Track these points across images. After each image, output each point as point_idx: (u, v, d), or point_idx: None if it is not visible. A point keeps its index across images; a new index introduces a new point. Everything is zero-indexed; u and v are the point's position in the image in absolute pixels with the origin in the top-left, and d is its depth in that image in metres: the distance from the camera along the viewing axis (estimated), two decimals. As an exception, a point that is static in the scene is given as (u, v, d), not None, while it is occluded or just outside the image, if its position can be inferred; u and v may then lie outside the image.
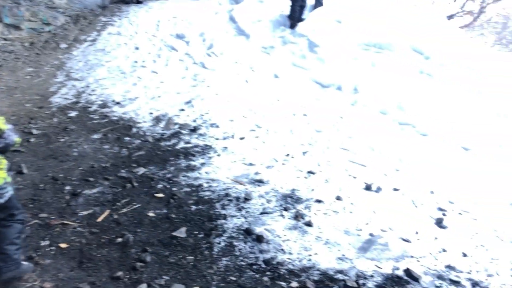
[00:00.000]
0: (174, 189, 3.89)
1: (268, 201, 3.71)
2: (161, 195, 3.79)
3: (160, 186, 3.94)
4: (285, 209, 3.59)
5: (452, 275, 2.93)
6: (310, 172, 4.22)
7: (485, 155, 4.77)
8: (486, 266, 3.05)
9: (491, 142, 5.04)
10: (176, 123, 5.28)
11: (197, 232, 3.28)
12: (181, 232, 3.25)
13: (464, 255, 3.16)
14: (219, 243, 3.16)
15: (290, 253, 3.08)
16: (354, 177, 4.19)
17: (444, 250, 3.20)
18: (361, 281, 2.85)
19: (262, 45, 7.39)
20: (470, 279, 2.91)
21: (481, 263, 3.07)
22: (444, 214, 3.66)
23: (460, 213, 3.70)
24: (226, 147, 4.72)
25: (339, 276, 2.89)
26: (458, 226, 3.51)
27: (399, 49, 6.72)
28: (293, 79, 6.36)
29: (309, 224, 3.40)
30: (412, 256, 3.12)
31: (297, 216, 3.49)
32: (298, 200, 3.75)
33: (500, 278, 2.94)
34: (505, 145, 5.01)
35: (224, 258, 3.01)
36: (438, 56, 6.58)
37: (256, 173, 4.17)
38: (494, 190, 4.07)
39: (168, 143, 4.84)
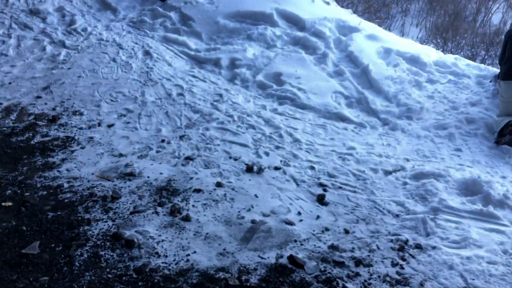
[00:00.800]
0: (26, 194, 3.30)
1: (140, 198, 3.30)
2: (9, 203, 3.18)
3: (8, 192, 3.32)
4: (160, 205, 3.23)
5: (336, 256, 2.84)
6: (188, 158, 3.89)
7: (357, 123, 4.83)
8: (368, 241, 3.01)
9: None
10: (30, 114, 4.56)
11: (54, 245, 2.78)
12: (33, 248, 2.73)
13: (346, 232, 3.10)
14: (81, 255, 2.71)
15: (166, 256, 2.75)
16: (235, 159, 3.94)
17: (326, 229, 3.11)
18: (244, 277, 2.62)
19: (131, 19, 6.75)
20: (353, 258, 2.84)
21: (362, 239, 3.03)
22: (325, 190, 3.58)
23: (340, 187, 3.65)
24: (91, 138, 4.17)
25: (220, 274, 2.63)
26: (339, 201, 3.46)
27: (276, 20, 6.56)
28: (167, 55, 5.88)
29: (187, 218, 3.09)
30: (296, 241, 2.97)
31: (174, 211, 3.15)
32: (175, 192, 3.40)
33: (381, 252, 2.91)
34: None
35: (87, 273, 2.58)
36: (313, 28, 6.54)
37: (127, 166, 3.72)
38: (371, 160, 4.11)
39: (20, 138, 4.14)
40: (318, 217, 3.24)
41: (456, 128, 4.75)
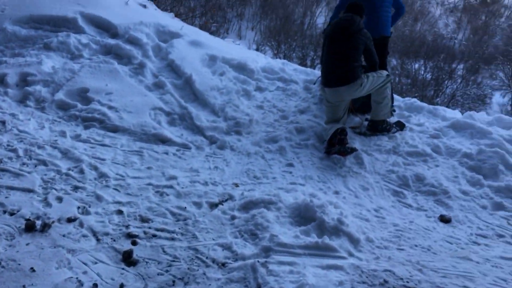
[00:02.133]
0: None
1: None
2: None
3: None
4: None
5: None
6: None
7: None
8: (185, 311, 2.30)
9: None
10: None
11: None
12: None
13: (158, 302, 2.34)
14: None
15: None
16: (12, 214, 2.90)
17: (131, 305, 2.31)
18: None
19: None
20: None
21: (178, 310, 2.31)
22: (134, 243, 2.78)
23: (154, 235, 2.89)
24: None
25: None
26: (152, 256, 2.69)
27: (81, 26, 5.52)
28: None
29: None
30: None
31: None
32: None
33: (201, 326, 2.22)
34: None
35: None
36: (128, 34, 5.67)
37: None
38: (194, 192, 3.45)
39: None
40: (121, 286, 2.43)
41: (286, 140, 4.37)
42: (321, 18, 50.40)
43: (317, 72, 6.26)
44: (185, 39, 5.75)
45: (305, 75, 6.11)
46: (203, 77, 5.12)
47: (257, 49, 40.67)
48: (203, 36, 6.30)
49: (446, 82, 29.12)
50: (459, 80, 28.97)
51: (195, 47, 5.71)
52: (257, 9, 45.15)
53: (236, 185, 3.58)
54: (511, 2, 40.88)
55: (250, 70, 5.67)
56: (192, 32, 6.16)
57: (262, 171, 3.85)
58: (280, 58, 37.88)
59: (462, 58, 31.25)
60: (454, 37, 41.46)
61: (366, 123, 4.77)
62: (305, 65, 35.60)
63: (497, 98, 32.03)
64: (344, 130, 4.17)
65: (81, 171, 3.46)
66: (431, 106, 5.41)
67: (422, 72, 30.43)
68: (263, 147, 4.26)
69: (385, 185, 3.87)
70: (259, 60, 6.25)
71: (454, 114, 5.37)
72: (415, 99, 5.65)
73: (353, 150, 4.06)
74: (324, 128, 4.48)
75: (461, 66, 29.99)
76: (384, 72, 4.46)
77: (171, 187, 3.43)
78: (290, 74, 5.92)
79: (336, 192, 3.64)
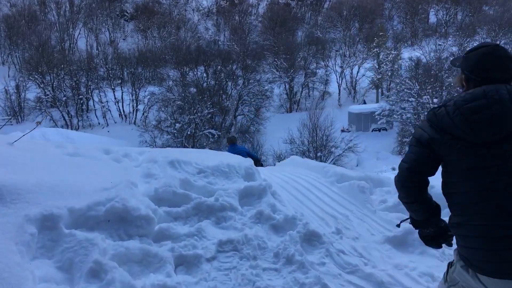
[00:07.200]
0: None
1: None
2: None
3: None
4: None
5: None
6: None
7: None
8: None
9: None
10: None
11: None
12: None
13: None
14: None
15: None
16: None
17: None
18: None
19: None
20: None
21: None
22: None
23: None
24: None
25: None
26: None
27: None
28: None
29: None
30: None
31: None
32: None
33: None
34: None
35: None
36: None
37: None
38: None
39: None
40: None
41: None
42: (82, 40, 44.52)
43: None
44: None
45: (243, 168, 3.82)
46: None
47: (17, 86, 33.13)
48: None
49: (230, 84, 28.85)
50: (240, 82, 29.03)
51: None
52: (4, 40, 36.62)
53: None
54: (255, 1, 43.82)
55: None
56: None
57: None
58: (49, 91, 31.39)
59: (236, 59, 31.42)
60: (217, 40, 41.86)
61: None
62: (80, 94, 30.27)
63: (276, 90, 33.81)
64: None
65: None
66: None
67: (206, 80, 29.44)
68: None
69: None
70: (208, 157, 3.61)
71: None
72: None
73: None
74: None
75: (234, 66, 30.12)
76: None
77: None
78: (243, 175, 3.53)
79: None
